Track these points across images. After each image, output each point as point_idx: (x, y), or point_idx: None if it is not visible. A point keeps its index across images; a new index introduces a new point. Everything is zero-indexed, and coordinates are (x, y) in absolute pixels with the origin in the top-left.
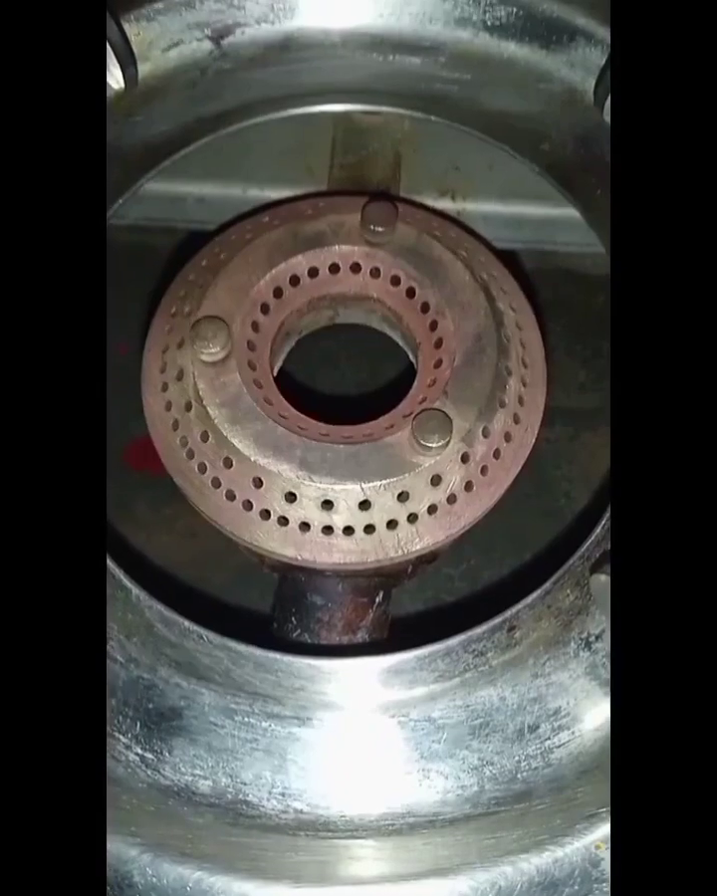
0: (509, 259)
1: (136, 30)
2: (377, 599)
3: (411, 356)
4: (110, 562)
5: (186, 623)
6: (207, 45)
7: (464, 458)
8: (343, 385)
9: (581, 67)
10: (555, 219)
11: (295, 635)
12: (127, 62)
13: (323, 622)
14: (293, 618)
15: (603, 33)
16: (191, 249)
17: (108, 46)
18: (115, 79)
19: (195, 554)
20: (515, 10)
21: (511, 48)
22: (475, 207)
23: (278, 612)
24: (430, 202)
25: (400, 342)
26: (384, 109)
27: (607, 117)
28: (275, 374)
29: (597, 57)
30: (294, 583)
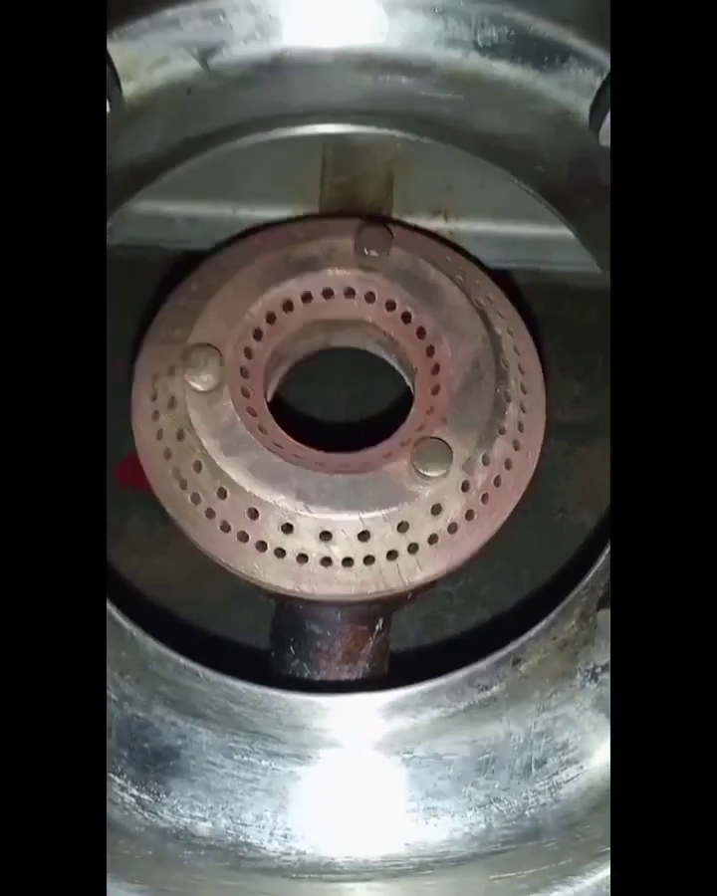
0: (503, 279)
1: (120, 48)
2: (377, 627)
3: (408, 381)
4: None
5: (182, 660)
6: (193, 64)
7: (464, 487)
8: (336, 411)
9: (574, 88)
10: (548, 239)
11: (294, 665)
12: (111, 82)
13: (322, 652)
14: (291, 648)
15: (597, 54)
16: (181, 269)
17: None
18: None
19: (189, 575)
20: (507, 30)
21: (503, 68)
22: (468, 227)
23: (276, 642)
24: (423, 222)
25: (396, 367)
26: (375, 130)
27: (602, 141)
28: (268, 401)
29: (591, 78)
30: (291, 612)
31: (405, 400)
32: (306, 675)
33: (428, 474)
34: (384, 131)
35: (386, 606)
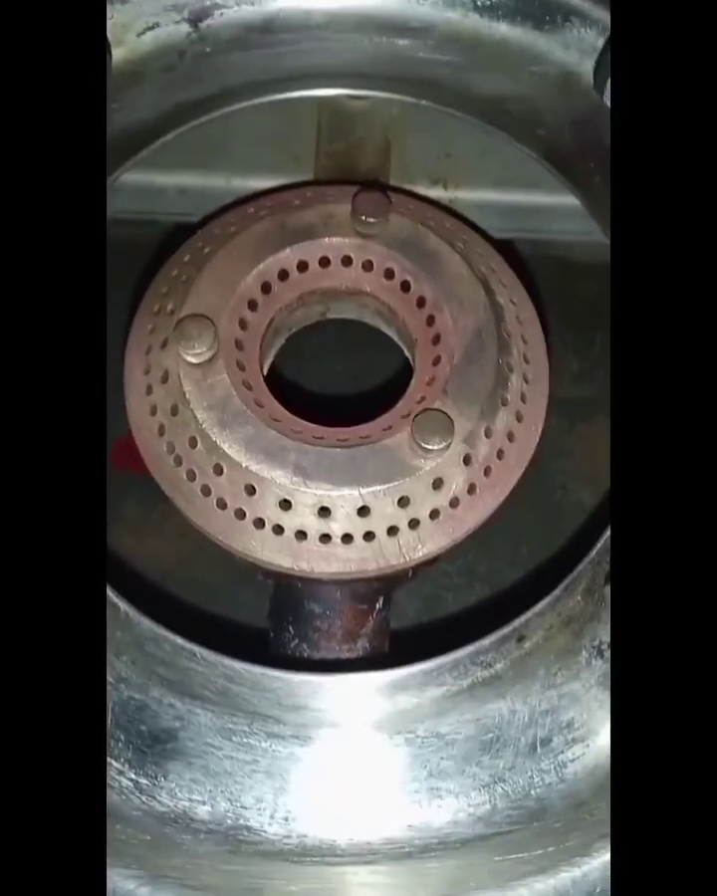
0: (506, 249)
1: (110, 12)
2: (378, 605)
3: (407, 353)
4: None
5: (179, 640)
6: (184, 28)
7: (466, 460)
8: (334, 383)
9: (576, 49)
10: (551, 207)
11: (293, 645)
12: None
13: (321, 631)
14: (290, 627)
15: (600, 13)
16: (174, 242)
17: None
18: None
19: (185, 555)
20: None
21: (503, 29)
22: (468, 195)
23: (274, 622)
24: (422, 191)
25: (395, 338)
26: (372, 93)
27: (607, 101)
28: (264, 373)
29: (594, 38)
30: (290, 591)
31: (405, 372)
32: (305, 654)
33: (429, 447)
34: (381, 95)
35: (386, 584)
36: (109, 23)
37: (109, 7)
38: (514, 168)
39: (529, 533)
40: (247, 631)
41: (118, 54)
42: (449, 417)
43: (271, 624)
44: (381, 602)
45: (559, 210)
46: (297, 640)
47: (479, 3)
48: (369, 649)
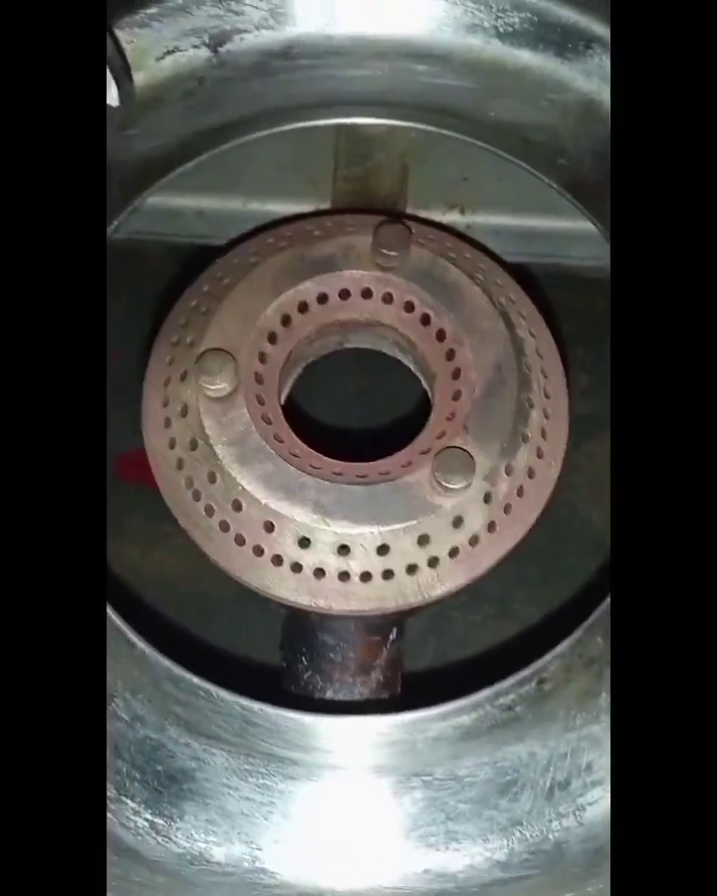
0: (522, 275)
1: (130, 37)
2: (391, 636)
3: (426, 385)
4: (111, 614)
5: (195, 680)
6: (204, 53)
7: (487, 498)
8: (347, 414)
9: (598, 76)
10: (568, 232)
11: (306, 677)
12: (123, 76)
13: (335, 663)
14: (303, 659)
15: None
16: (192, 263)
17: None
18: (109, 96)
19: (193, 572)
20: (529, 16)
21: (524, 56)
22: (485, 220)
23: (287, 654)
24: (438, 216)
25: (413, 369)
26: (390, 122)
27: None
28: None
29: None
30: (303, 622)
31: (419, 402)
32: (319, 686)
33: (451, 486)
34: (400, 123)
35: (400, 615)
36: (127, 47)
37: (128, 31)
38: (531, 194)
39: (536, 555)
40: (257, 659)
41: (137, 79)
42: (470, 456)
43: (283, 656)
44: (395, 633)
45: (576, 235)
46: (310, 672)
47: (500, 30)
48: (382, 682)
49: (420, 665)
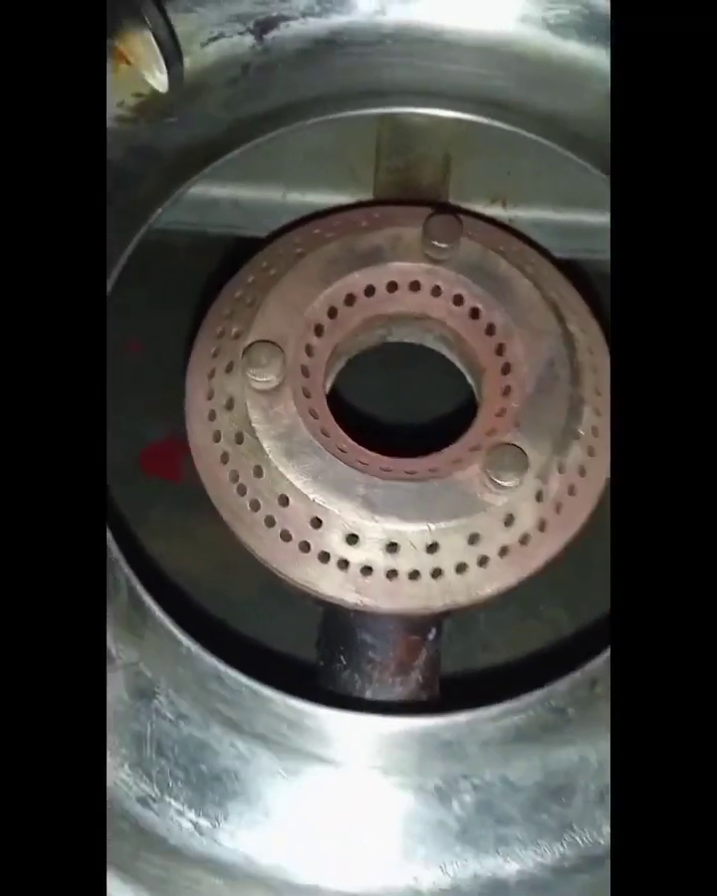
0: (570, 271)
1: (174, 22)
2: (430, 636)
3: (471, 380)
4: (157, 609)
5: (241, 677)
6: (249, 39)
7: (538, 496)
8: (386, 407)
9: None
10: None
11: (344, 676)
12: (174, 58)
13: (375, 662)
14: (341, 657)
15: None
16: (229, 255)
17: (153, 41)
18: (158, 80)
19: (217, 564)
20: (579, 8)
21: (572, 48)
22: (527, 214)
23: (325, 650)
24: (479, 209)
25: (458, 364)
26: (436, 111)
27: None
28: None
29: None
30: (342, 619)
31: (454, 396)
32: (357, 686)
33: (503, 483)
34: (444, 113)
35: (441, 614)
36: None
37: (173, 16)
38: (574, 187)
39: (568, 554)
40: (287, 651)
41: None
42: (523, 452)
43: (321, 654)
44: (434, 633)
45: None
46: (349, 671)
47: (551, 21)
48: (422, 682)
49: (447, 668)
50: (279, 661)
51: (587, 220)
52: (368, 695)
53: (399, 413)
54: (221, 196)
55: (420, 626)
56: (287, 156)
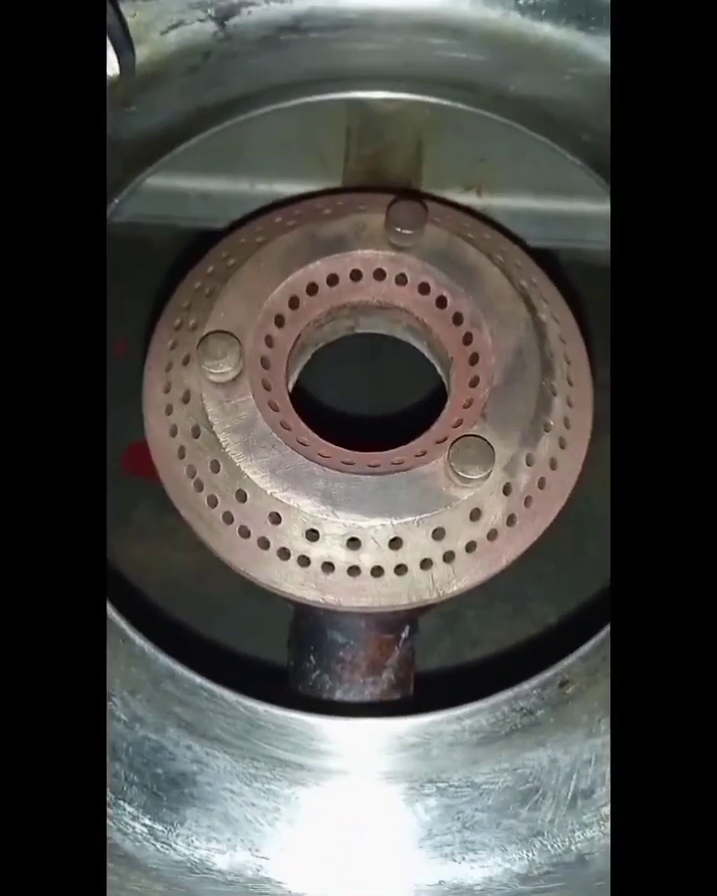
0: (546, 260)
1: (132, 10)
2: (404, 634)
3: (440, 371)
4: (109, 607)
5: (198, 679)
6: (210, 26)
7: (506, 489)
8: (357, 401)
9: None
10: (590, 215)
11: (315, 676)
12: (124, 46)
13: (345, 662)
14: (311, 657)
15: None
16: (195, 249)
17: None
18: (110, 65)
19: (198, 568)
20: None
21: (546, 29)
22: (503, 202)
23: (294, 649)
24: (454, 197)
25: (427, 355)
26: (405, 96)
27: None
28: (289, 392)
29: None
30: (312, 619)
31: (433, 390)
32: (327, 687)
33: (468, 476)
34: (415, 97)
35: (413, 612)
36: (131, 20)
37: (131, 3)
38: (551, 174)
39: (553, 551)
40: (266, 655)
41: (140, 52)
42: (489, 444)
43: (291, 654)
44: (407, 631)
45: (597, 219)
46: (319, 671)
47: (521, 2)
48: (394, 682)
49: (433, 665)
50: (258, 664)
51: (565, 208)
52: (339, 695)
53: (369, 406)
54: (189, 188)
55: (392, 625)
56: (256, 146)
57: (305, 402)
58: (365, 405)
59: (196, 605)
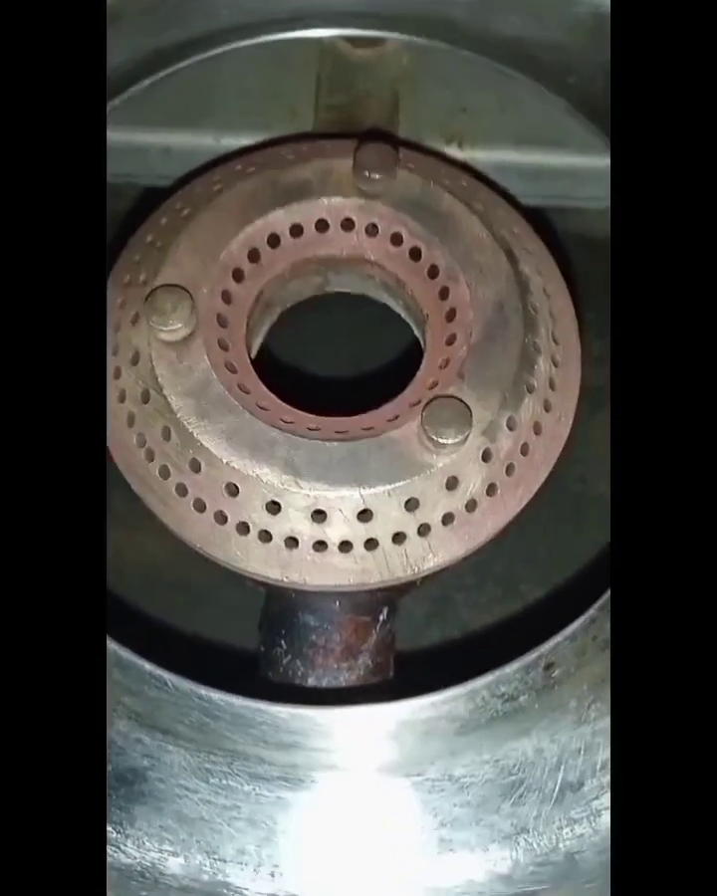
0: (531, 216)
1: None
2: (381, 617)
3: (417, 331)
4: None
5: (146, 665)
6: None
7: (486, 456)
8: (333, 366)
9: None
10: (579, 169)
11: (285, 662)
12: None
13: (318, 646)
14: (282, 642)
15: None
16: (157, 207)
17: None
18: None
19: (167, 553)
20: None
21: None
22: (486, 155)
23: (265, 635)
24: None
25: (403, 314)
26: (380, 34)
27: None
28: (253, 355)
29: None
30: (283, 600)
31: (413, 354)
32: (299, 673)
33: (443, 440)
34: (390, 35)
35: (391, 593)
36: None
37: None
38: (538, 124)
39: (546, 532)
40: (232, 646)
41: None
42: (466, 406)
43: (261, 638)
44: (385, 613)
45: (587, 173)
46: (290, 657)
47: None
48: (372, 668)
49: (420, 649)
50: (236, 653)
51: (551, 161)
52: (312, 682)
53: (346, 371)
54: (150, 143)
55: (368, 606)
56: (221, 97)
57: (273, 365)
58: (345, 368)
59: (175, 595)
